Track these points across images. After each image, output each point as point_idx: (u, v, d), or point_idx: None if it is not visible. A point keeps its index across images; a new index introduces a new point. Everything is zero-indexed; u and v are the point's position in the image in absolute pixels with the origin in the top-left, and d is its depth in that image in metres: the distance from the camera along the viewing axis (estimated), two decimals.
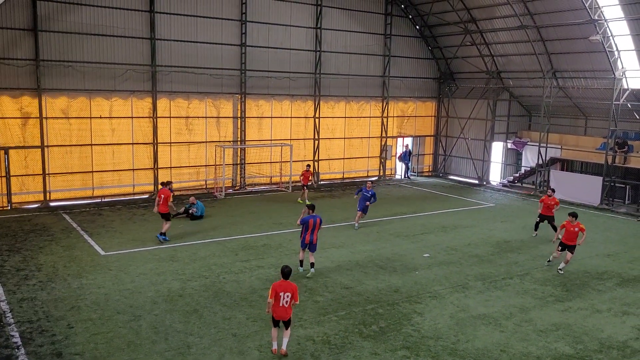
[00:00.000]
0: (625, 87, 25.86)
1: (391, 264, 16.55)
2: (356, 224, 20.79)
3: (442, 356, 10.80)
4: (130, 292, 13.63)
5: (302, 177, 25.47)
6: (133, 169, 24.91)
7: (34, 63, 22.05)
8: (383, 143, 32.93)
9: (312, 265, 15.27)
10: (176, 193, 25.91)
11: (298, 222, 15.27)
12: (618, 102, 25.86)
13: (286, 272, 10.63)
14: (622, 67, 25.55)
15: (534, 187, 30.11)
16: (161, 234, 18.25)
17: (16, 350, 10.49)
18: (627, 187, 27.54)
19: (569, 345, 11.46)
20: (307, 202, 23.64)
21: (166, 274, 15.01)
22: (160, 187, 19.13)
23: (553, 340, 11.67)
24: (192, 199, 21.79)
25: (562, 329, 12.27)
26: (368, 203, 20.51)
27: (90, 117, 23.64)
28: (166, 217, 18.31)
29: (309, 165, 26.72)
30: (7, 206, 22.30)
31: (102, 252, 16.81)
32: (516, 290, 14.62)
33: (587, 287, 15.06)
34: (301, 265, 15.45)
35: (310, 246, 15.16)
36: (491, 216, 23.86)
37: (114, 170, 24.56)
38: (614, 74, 25.74)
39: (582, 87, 28.12)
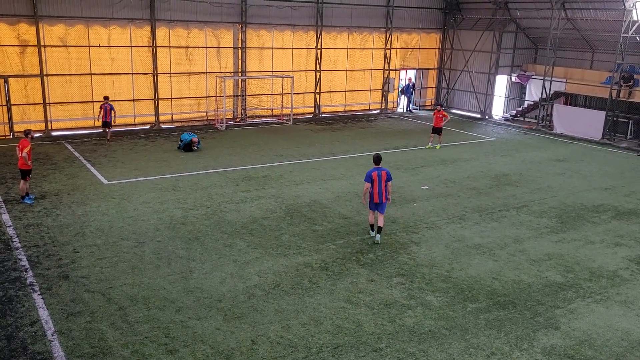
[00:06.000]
0: (635, 19, 25.22)
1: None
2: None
3: (436, 283, 11.16)
4: (134, 219, 13.92)
5: (435, 119, 22.89)
6: (133, 100, 24.77)
7: None
8: (386, 76, 32.51)
9: (380, 230, 13.03)
10: (178, 124, 26.02)
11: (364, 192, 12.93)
12: (627, 35, 25.31)
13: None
14: None
15: (536, 121, 29.96)
16: (22, 196, 14.91)
17: (24, 272, 10.85)
18: (630, 121, 27.41)
19: (560, 274, 11.80)
20: (438, 147, 23.36)
21: (168, 202, 15.27)
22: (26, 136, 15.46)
23: (545, 269, 12.00)
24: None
25: (554, 259, 12.59)
26: None
27: (89, 46, 23.28)
28: (23, 174, 14.85)
29: (441, 105, 24.49)
30: (10, 135, 22.39)
31: (105, 181, 17.03)
32: (512, 222, 14.88)
33: (582, 220, 15.32)
34: (373, 229, 13.30)
35: (380, 205, 12.87)
36: (491, 150, 23.91)
37: (114, 101, 24.36)
38: (624, 4, 25.04)
39: (590, 19, 27.46)
